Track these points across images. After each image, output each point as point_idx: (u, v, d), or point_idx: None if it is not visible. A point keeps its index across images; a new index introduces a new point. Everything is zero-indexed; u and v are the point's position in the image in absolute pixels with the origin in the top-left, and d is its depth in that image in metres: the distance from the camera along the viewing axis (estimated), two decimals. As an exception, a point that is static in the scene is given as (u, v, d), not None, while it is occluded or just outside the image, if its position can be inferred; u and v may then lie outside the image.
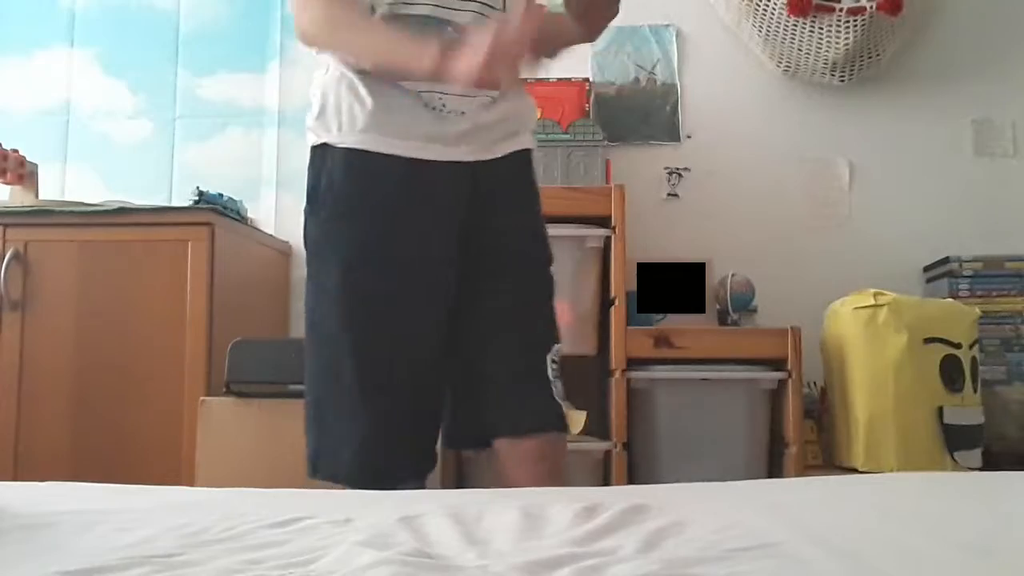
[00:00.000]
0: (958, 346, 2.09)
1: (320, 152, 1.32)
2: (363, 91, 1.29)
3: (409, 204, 1.30)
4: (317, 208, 1.33)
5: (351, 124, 1.29)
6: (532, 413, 1.32)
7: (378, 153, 1.28)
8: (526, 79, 1.47)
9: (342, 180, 1.30)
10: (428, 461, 1.33)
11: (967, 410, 2.09)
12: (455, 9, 1.28)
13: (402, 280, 1.30)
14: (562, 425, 1.34)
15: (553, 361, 1.34)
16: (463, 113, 1.30)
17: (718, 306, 2.45)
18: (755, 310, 2.44)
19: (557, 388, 1.34)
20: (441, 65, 1.15)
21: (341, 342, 1.28)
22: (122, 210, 2.21)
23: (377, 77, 1.28)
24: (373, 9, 1.28)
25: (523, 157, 1.40)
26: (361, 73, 1.30)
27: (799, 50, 2.59)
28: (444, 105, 1.29)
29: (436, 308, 1.32)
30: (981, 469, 2.07)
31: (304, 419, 1.34)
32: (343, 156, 1.30)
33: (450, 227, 1.32)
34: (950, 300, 2.32)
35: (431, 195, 1.31)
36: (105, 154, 2.88)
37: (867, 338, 2.13)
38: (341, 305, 1.28)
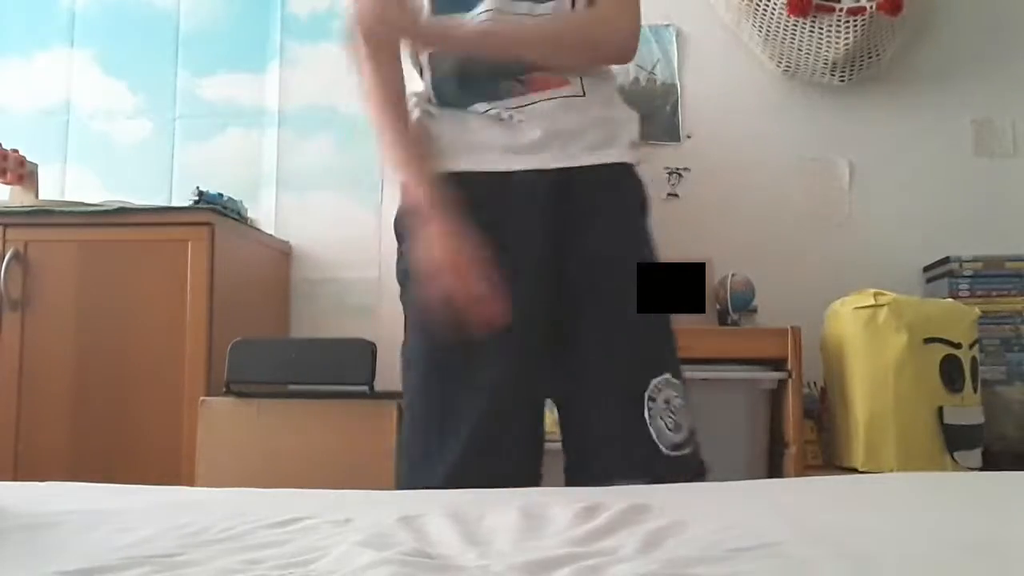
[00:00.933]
0: (958, 346, 2.09)
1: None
2: (436, 113, 1.31)
3: (490, 215, 1.22)
4: (402, 235, 1.29)
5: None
6: (630, 466, 1.17)
7: (456, 172, 1.26)
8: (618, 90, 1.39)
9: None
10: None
11: (967, 410, 2.09)
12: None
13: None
14: (659, 472, 1.16)
15: (651, 397, 1.20)
16: (533, 121, 1.26)
17: (718, 306, 2.45)
18: (755, 310, 2.44)
19: (659, 427, 1.19)
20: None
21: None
22: (122, 210, 2.22)
23: (442, 103, 1.31)
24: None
25: (622, 170, 1.30)
26: (432, 102, 1.32)
27: (799, 50, 2.59)
28: (511, 116, 1.26)
29: (528, 318, 1.22)
30: (981, 469, 2.07)
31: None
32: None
33: (537, 235, 1.24)
34: (950, 300, 2.32)
35: (513, 205, 1.25)
36: (105, 154, 2.88)
37: (867, 338, 2.13)
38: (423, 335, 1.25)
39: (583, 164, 1.27)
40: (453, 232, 1.15)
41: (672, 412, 1.22)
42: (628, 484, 1.10)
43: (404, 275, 1.29)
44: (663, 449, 1.20)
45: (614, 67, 1.40)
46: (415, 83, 1.36)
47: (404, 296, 1.30)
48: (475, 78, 1.28)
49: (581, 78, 1.28)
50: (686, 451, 1.22)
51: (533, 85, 1.27)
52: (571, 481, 1.26)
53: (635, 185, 1.33)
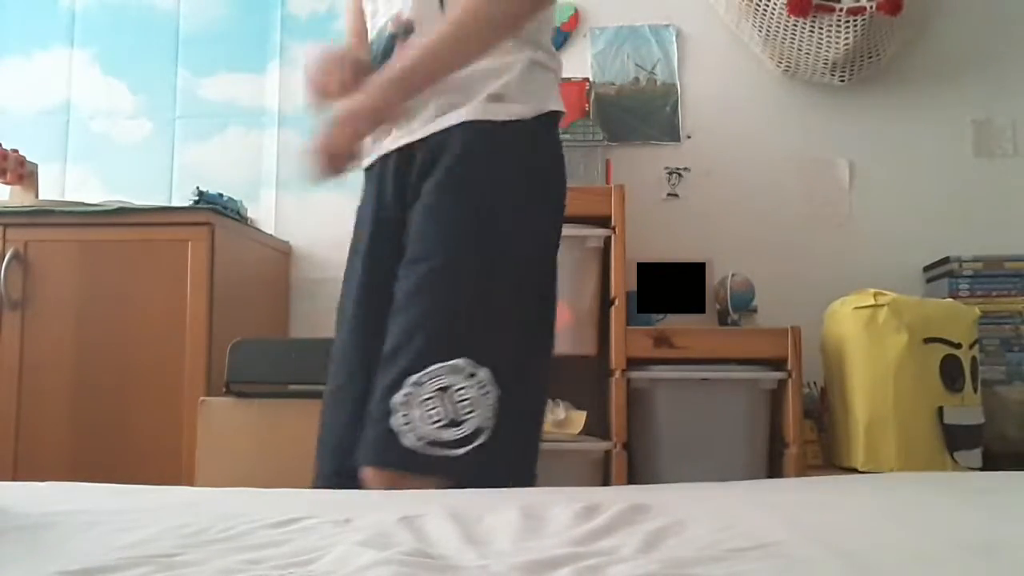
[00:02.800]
0: (958, 346, 2.09)
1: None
2: None
3: (360, 208, 1.35)
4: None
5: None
6: (364, 445, 1.12)
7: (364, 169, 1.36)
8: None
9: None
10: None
11: (967, 410, 2.09)
12: (378, 21, 1.32)
13: (345, 281, 1.33)
14: (388, 462, 1.08)
15: (418, 383, 1.07)
16: None
17: (718, 306, 2.45)
18: (755, 310, 2.44)
19: (413, 417, 1.07)
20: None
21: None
22: (122, 210, 2.22)
23: None
24: None
25: (456, 133, 1.18)
26: None
27: (799, 50, 2.59)
28: None
29: (358, 308, 1.26)
30: (981, 469, 2.07)
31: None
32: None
33: (374, 222, 1.28)
34: (950, 300, 2.32)
35: (366, 196, 1.34)
36: (105, 154, 2.88)
37: (867, 338, 2.13)
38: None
39: (419, 137, 1.21)
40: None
41: (447, 402, 1.07)
42: (374, 471, 1.09)
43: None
44: (404, 441, 1.07)
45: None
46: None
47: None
48: (382, 61, 1.28)
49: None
50: (452, 452, 1.06)
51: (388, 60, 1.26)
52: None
53: (474, 143, 1.17)
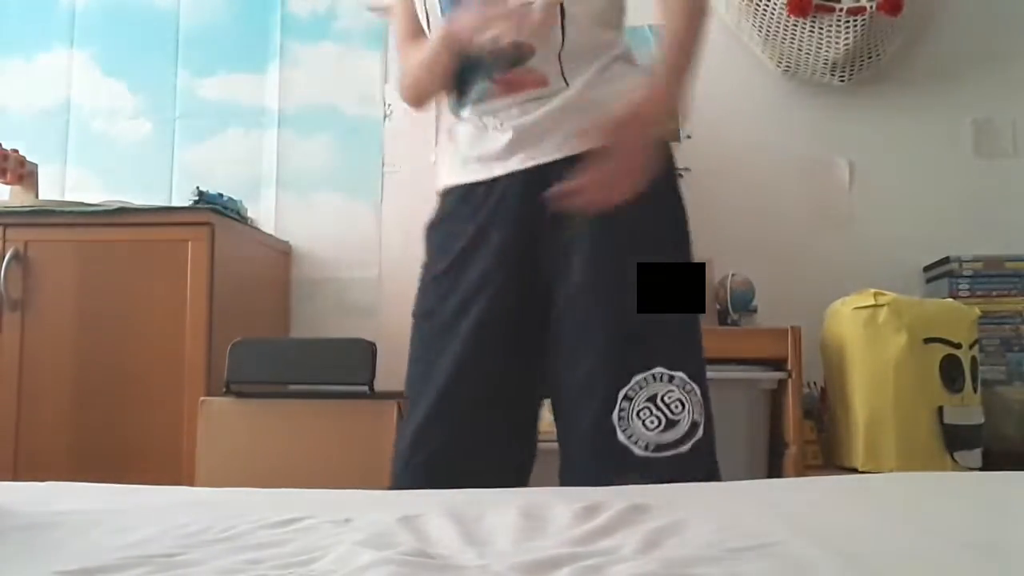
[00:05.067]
0: (958, 346, 2.09)
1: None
2: (456, 131, 1.32)
3: (471, 225, 1.25)
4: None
5: (443, 168, 1.33)
6: (586, 463, 1.16)
7: (447, 186, 1.31)
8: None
9: (428, 221, 1.34)
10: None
11: (967, 410, 2.09)
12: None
13: (453, 301, 1.25)
14: (627, 471, 1.12)
15: (627, 397, 1.15)
16: (502, 124, 1.24)
17: (718, 306, 2.45)
18: (755, 310, 2.44)
19: (635, 428, 1.14)
20: (447, 29, 1.17)
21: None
22: (122, 210, 2.21)
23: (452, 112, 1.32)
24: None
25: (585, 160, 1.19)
26: (457, 119, 1.32)
27: (799, 50, 2.59)
28: (486, 126, 1.26)
29: (490, 332, 1.22)
30: (981, 469, 2.07)
31: None
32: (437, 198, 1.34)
33: (507, 239, 1.23)
34: (950, 300, 2.31)
35: (488, 213, 1.24)
36: (105, 154, 2.88)
37: (867, 338, 2.13)
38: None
39: (556, 158, 1.20)
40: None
41: (660, 408, 1.15)
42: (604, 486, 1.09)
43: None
44: (636, 451, 1.14)
45: (619, 38, 1.36)
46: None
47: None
48: (472, 73, 1.26)
49: (562, 68, 1.21)
50: (680, 449, 1.15)
51: (509, 86, 1.23)
52: (563, 484, 1.22)
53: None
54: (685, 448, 1.15)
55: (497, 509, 0.83)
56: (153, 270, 2.16)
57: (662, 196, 1.24)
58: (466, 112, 1.29)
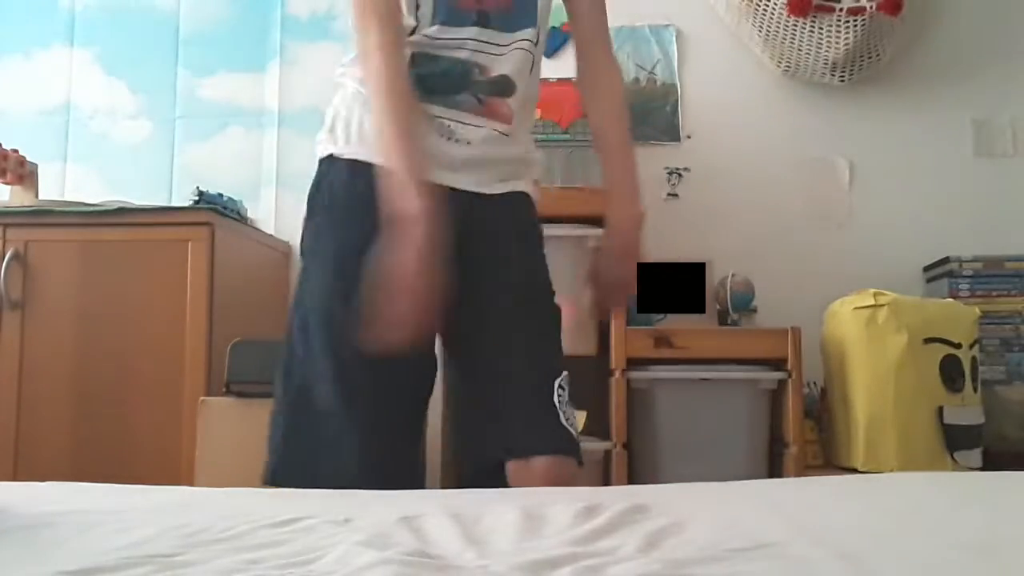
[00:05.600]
0: (958, 346, 2.09)
1: (324, 163, 1.38)
2: None
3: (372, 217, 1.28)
4: (313, 215, 1.36)
5: (360, 137, 1.33)
6: (539, 436, 1.28)
7: (367, 162, 1.28)
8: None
9: (342, 188, 1.32)
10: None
11: (967, 410, 2.09)
12: (495, 55, 1.31)
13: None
14: (571, 450, 1.29)
15: (561, 387, 1.31)
16: (469, 143, 1.31)
17: (718, 306, 2.45)
18: (755, 310, 2.44)
19: (566, 415, 1.30)
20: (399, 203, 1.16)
21: (321, 348, 1.31)
22: (122, 210, 2.22)
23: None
24: (412, 31, 1.29)
25: (523, 199, 1.40)
26: None
27: (799, 50, 2.59)
28: (453, 132, 1.31)
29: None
30: (981, 469, 2.07)
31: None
32: (346, 166, 1.33)
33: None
34: (950, 300, 2.32)
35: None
36: (105, 154, 2.88)
37: (867, 338, 2.13)
38: (322, 313, 1.29)
39: (491, 192, 1.35)
40: (434, 242, 1.14)
41: (567, 402, 1.32)
42: (540, 455, 1.26)
43: (311, 250, 1.37)
44: (573, 432, 1.30)
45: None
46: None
47: (314, 270, 1.34)
48: (444, 83, 1.30)
49: (515, 118, 1.35)
50: (573, 431, 1.32)
51: (486, 110, 1.32)
52: (460, 463, 1.40)
53: (531, 210, 1.42)
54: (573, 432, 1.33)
55: (497, 509, 0.83)
56: (153, 270, 2.16)
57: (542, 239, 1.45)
58: (433, 108, 1.30)
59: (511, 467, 1.27)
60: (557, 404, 1.29)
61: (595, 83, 1.47)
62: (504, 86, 1.33)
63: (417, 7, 1.30)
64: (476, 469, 1.33)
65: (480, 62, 1.31)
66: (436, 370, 1.35)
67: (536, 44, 1.36)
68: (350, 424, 1.27)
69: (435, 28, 1.30)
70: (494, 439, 1.29)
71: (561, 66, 2.29)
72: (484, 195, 1.34)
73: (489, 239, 1.33)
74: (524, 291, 1.35)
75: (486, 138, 1.32)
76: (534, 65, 1.37)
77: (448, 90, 1.31)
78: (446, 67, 1.30)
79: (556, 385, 1.31)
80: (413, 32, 1.30)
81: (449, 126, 1.31)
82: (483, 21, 1.30)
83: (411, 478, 1.30)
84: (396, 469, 1.29)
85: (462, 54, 1.30)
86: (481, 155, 1.33)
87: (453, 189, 1.29)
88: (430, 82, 1.30)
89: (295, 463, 1.32)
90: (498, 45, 1.31)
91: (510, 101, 1.34)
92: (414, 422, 1.35)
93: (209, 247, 2.16)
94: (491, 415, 1.30)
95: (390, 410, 1.29)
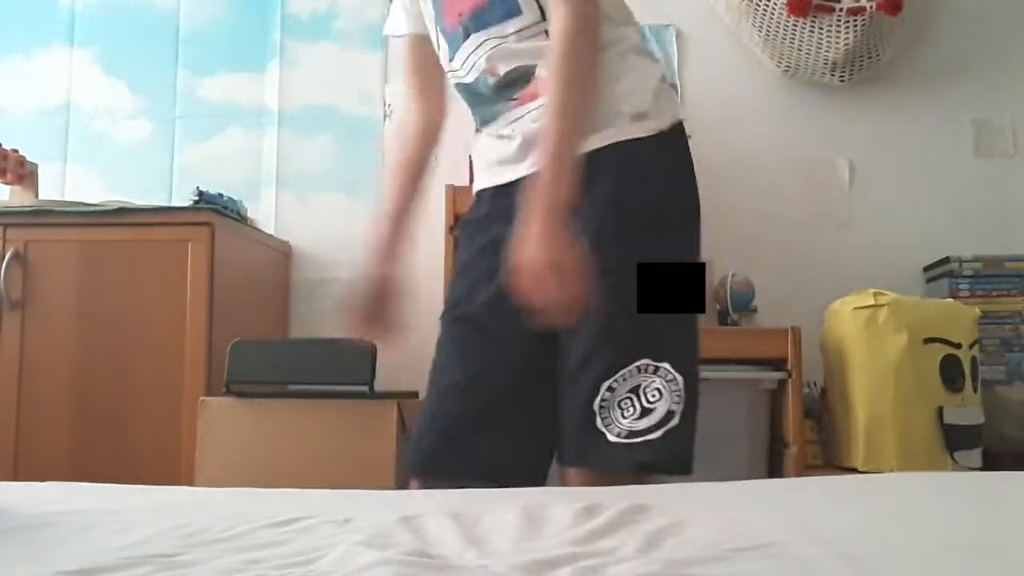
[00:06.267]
0: (958, 346, 2.09)
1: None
2: (478, 142, 1.41)
3: (495, 225, 1.29)
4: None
5: (476, 174, 1.42)
6: (574, 448, 1.23)
7: (477, 190, 1.39)
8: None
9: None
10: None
11: (967, 410, 2.09)
12: (493, 52, 1.30)
13: (480, 294, 1.31)
14: (603, 461, 1.19)
15: (611, 388, 1.20)
16: (513, 131, 1.32)
17: (718, 306, 2.45)
18: (755, 310, 2.44)
19: (613, 416, 1.19)
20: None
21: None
22: (122, 210, 2.22)
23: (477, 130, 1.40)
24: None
25: (611, 152, 1.26)
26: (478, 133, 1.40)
27: (799, 50, 2.59)
28: (504, 134, 1.33)
29: (514, 323, 1.22)
30: (981, 469, 2.07)
31: None
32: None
33: (501, 242, 1.29)
34: (950, 300, 2.32)
35: (498, 218, 1.29)
36: (105, 154, 2.88)
37: (867, 338, 2.13)
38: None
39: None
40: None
41: (639, 397, 1.19)
42: (579, 471, 1.21)
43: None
44: (610, 437, 1.18)
45: (624, 33, 1.35)
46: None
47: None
48: (481, 104, 1.36)
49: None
50: (650, 436, 1.18)
51: (522, 100, 1.31)
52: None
53: (628, 163, 1.25)
54: (656, 435, 1.18)
55: (497, 509, 0.83)
56: (153, 270, 2.16)
57: (636, 203, 1.27)
58: (488, 129, 1.37)
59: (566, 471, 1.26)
60: (594, 410, 1.20)
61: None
62: (521, 75, 1.29)
63: (438, 47, 1.37)
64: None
65: (487, 67, 1.30)
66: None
67: (528, 27, 1.27)
68: None
69: (448, 63, 1.36)
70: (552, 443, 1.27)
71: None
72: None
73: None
74: (607, 267, 1.21)
75: (530, 119, 1.28)
76: (536, 37, 1.27)
77: (490, 108, 1.34)
78: (474, 89, 1.34)
79: (607, 385, 1.20)
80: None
81: (502, 132, 1.34)
82: (467, 32, 1.30)
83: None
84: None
85: (475, 71, 1.32)
86: (530, 135, 1.27)
87: (515, 181, 1.29)
88: (475, 110, 1.38)
89: None
90: (493, 39, 1.28)
91: (536, 81, 1.28)
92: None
93: (209, 247, 2.16)
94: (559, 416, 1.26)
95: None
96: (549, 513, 0.82)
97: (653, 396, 1.20)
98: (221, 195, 2.36)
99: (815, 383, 2.39)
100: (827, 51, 2.56)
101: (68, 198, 2.61)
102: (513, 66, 1.29)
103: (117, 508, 0.89)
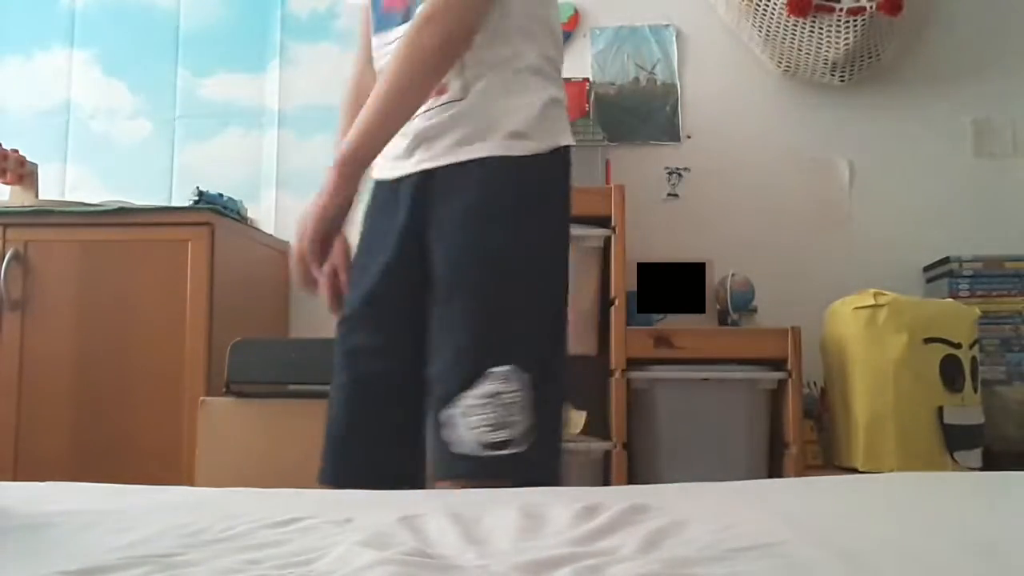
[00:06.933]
0: (958, 346, 2.09)
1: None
2: None
3: (370, 221, 1.37)
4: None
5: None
6: (435, 469, 1.21)
7: (372, 181, 1.37)
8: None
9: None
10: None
11: (967, 410, 2.09)
12: (377, 59, 1.35)
13: (358, 292, 1.32)
14: (449, 472, 1.18)
15: (456, 402, 1.17)
16: (407, 128, 1.29)
17: (718, 306, 2.45)
18: (755, 310, 2.44)
19: (462, 428, 1.16)
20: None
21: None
22: (122, 210, 2.22)
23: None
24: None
25: (483, 165, 1.24)
26: None
27: (799, 50, 2.59)
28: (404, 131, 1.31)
29: (389, 324, 1.30)
30: (981, 469, 2.07)
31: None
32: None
33: (392, 236, 1.30)
34: (950, 300, 2.32)
35: (382, 210, 1.34)
36: (105, 154, 2.88)
37: (867, 338, 2.13)
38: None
39: (444, 163, 1.26)
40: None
41: (498, 409, 1.16)
42: (438, 487, 1.19)
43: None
44: (463, 450, 1.16)
45: (526, 51, 1.29)
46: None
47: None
48: None
49: (464, 81, 1.26)
50: (507, 451, 1.15)
51: None
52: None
53: (496, 178, 1.24)
54: (509, 451, 1.15)
55: (497, 509, 0.83)
56: (153, 270, 2.17)
57: (500, 216, 1.25)
58: None
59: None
60: (445, 418, 1.17)
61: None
62: None
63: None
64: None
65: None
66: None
67: None
68: None
69: (374, 38, 1.35)
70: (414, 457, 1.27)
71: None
72: (436, 168, 1.27)
73: (436, 217, 1.26)
74: (444, 285, 1.24)
75: (427, 116, 1.27)
76: None
77: None
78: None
79: (453, 400, 1.17)
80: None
81: (401, 132, 1.31)
82: (407, 16, 1.28)
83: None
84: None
85: (381, 61, 1.32)
86: (418, 133, 1.28)
87: (405, 177, 1.30)
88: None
89: None
90: (388, 45, 1.31)
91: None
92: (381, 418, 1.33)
93: (209, 247, 2.16)
94: (412, 431, 1.27)
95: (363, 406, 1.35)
96: (549, 513, 0.82)
97: (513, 411, 1.16)
98: (221, 195, 2.36)
99: (815, 383, 2.39)
100: (827, 51, 2.56)
101: (68, 198, 2.61)
102: None
103: (117, 508, 0.89)
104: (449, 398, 1.17)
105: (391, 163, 1.33)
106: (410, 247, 1.28)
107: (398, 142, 1.31)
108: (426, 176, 1.27)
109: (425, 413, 1.23)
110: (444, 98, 1.26)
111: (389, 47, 1.30)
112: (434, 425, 1.19)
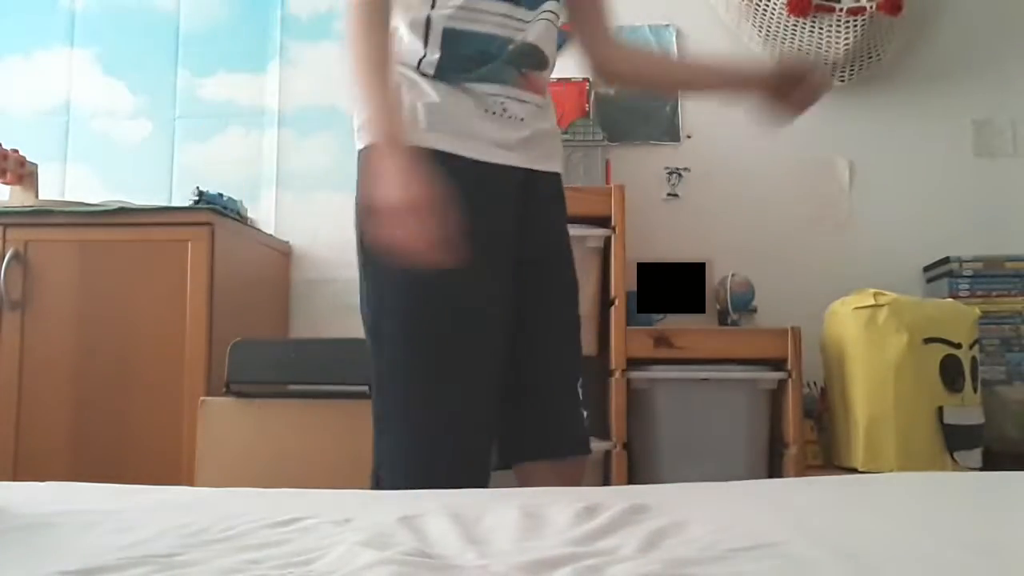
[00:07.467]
0: (958, 346, 2.09)
1: (371, 154, 1.21)
2: (427, 88, 1.28)
3: (475, 205, 1.21)
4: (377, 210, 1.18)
5: (413, 123, 1.26)
6: (570, 438, 1.39)
7: (444, 152, 1.25)
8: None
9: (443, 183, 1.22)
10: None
11: (967, 410, 2.09)
12: (521, 30, 1.31)
13: (467, 280, 1.24)
14: (588, 450, 1.41)
15: (582, 387, 1.40)
16: (522, 119, 1.33)
17: (718, 306, 2.45)
18: (755, 310, 2.44)
19: (586, 416, 1.40)
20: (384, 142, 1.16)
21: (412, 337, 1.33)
22: (122, 210, 2.22)
23: (440, 78, 1.29)
24: (428, 22, 1.28)
25: (559, 180, 1.43)
26: (422, 73, 1.29)
27: (799, 50, 2.59)
28: (505, 110, 1.32)
29: (500, 310, 1.32)
30: (981, 469, 2.07)
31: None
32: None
33: (509, 231, 1.34)
34: (950, 300, 2.32)
35: (495, 198, 1.31)
36: (105, 154, 2.88)
37: (867, 338, 2.13)
38: (410, 303, 1.29)
39: (541, 169, 1.37)
40: (416, 180, 1.12)
41: (585, 400, 1.42)
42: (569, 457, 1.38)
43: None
44: (586, 426, 1.41)
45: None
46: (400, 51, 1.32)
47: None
48: (487, 56, 1.29)
49: (546, 91, 1.39)
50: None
51: (528, 83, 1.34)
52: (504, 458, 1.39)
53: (564, 196, 1.46)
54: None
55: (497, 509, 0.83)
56: (153, 270, 2.16)
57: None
58: (473, 85, 1.29)
59: (536, 465, 1.36)
60: (581, 403, 1.40)
61: (633, 58, 1.57)
62: (538, 58, 1.35)
63: None
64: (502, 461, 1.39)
65: (510, 36, 1.31)
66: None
67: (559, 17, 1.38)
68: None
69: (515, 8, 1.31)
70: (529, 436, 1.37)
71: (561, 66, 2.28)
72: (538, 172, 1.37)
73: (541, 219, 1.38)
74: (570, 288, 1.42)
75: (532, 113, 1.35)
76: (555, 38, 1.39)
77: (493, 66, 1.30)
78: (483, 43, 1.29)
79: (579, 387, 1.40)
80: (434, 5, 1.28)
81: (502, 103, 1.31)
82: None
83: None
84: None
85: (495, 29, 1.30)
86: (531, 131, 1.35)
87: (509, 167, 1.32)
88: (472, 60, 1.29)
89: None
90: (523, 21, 1.32)
91: (544, 73, 1.37)
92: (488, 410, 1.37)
93: (209, 247, 2.16)
94: (527, 409, 1.37)
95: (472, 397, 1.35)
96: (549, 513, 0.82)
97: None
98: (221, 195, 2.36)
99: (815, 383, 2.39)
100: (827, 51, 2.56)
101: (68, 198, 2.61)
102: (529, 42, 1.33)
103: (117, 508, 0.89)
104: (578, 379, 1.39)
105: (499, 150, 1.31)
106: (515, 238, 1.34)
107: (506, 127, 1.31)
108: (530, 175, 1.35)
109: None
110: (541, 100, 1.37)
111: (492, 18, 1.29)
112: (573, 405, 1.39)
